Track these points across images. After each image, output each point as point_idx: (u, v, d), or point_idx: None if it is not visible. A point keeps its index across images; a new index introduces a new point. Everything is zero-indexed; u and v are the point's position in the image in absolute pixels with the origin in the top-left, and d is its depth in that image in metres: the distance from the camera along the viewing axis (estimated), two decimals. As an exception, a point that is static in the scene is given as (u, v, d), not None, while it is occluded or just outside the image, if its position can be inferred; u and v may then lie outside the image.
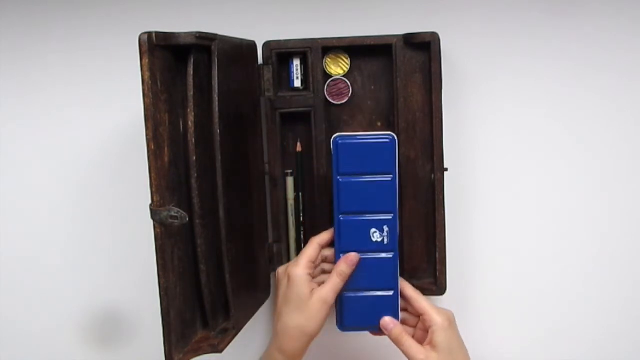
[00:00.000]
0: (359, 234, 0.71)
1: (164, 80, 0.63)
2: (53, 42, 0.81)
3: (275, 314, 0.73)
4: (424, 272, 0.80)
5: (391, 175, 0.71)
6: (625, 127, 0.81)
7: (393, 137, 0.71)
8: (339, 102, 0.78)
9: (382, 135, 0.71)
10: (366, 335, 0.75)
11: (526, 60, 0.80)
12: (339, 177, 0.71)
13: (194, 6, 0.80)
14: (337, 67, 0.78)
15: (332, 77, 0.78)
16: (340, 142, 0.70)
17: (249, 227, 0.74)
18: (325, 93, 0.77)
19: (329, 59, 0.77)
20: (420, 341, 0.70)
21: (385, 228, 0.71)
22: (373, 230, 0.71)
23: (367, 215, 0.71)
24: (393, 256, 0.72)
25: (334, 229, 0.72)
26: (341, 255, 0.71)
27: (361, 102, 0.79)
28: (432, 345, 0.69)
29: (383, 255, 0.72)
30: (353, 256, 0.71)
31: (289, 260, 0.80)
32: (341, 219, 0.71)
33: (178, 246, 0.66)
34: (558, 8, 0.79)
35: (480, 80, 0.80)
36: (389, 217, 0.71)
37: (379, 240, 0.71)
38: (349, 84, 0.78)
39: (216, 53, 0.65)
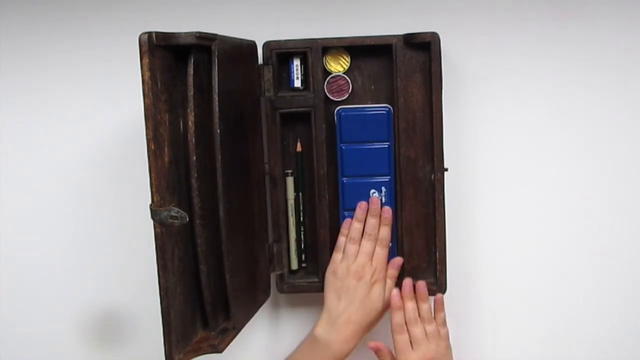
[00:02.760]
0: (360, 194, 0.79)
1: (164, 80, 0.63)
2: (53, 42, 0.81)
3: (333, 300, 0.76)
4: (424, 272, 0.80)
5: (387, 143, 0.78)
6: (625, 127, 0.81)
7: (389, 108, 0.77)
8: (339, 99, 0.78)
9: (379, 107, 0.78)
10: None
11: (526, 60, 0.80)
12: (341, 145, 0.77)
13: (194, 6, 0.80)
14: (337, 65, 0.78)
15: (331, 74, 0.78)
16: (342, 113, 0.77)
17: (249, 227, 0.74)
18: (325, 90, 0.77)
19: (329, 57, 0.77)
20: None
21: (383, 189, 0.78)
22: (372, 190, 0.78)
23: (367, 178, 0.78)
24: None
25: (339, 192, 0.79)
26: (345, 213, 0.79)
27: (361, 101, 0.79)
28: None
29: None
30: (398, 260, 0.79)
31: (289, 260, 0.80)
32: (344, 181, 0.78)
33: (178, 246, 0.66)
34: (558, 8, 0.79)
35: (480, 80, 0.80)
36: (386, 179, 0.78)
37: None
38: (349, 80, 0.78)
39: (216, 53, 0.65)
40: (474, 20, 0.80)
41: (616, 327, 0.84)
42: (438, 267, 0.77)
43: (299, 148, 0.80)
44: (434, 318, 0.76)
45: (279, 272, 0.80)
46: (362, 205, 0.78)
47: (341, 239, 0.78)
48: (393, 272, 0.78)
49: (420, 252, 0.79)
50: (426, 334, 0.75)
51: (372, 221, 0.77)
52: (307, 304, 0.78)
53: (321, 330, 0.75)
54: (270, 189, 0.79)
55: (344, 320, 0.75)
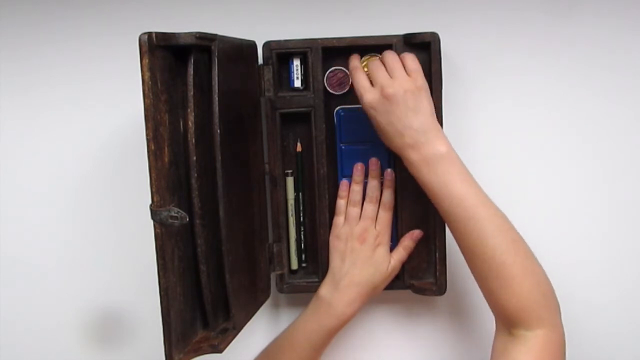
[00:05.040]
0: None
1: (164, 80, 0.63)
2: (53, 42, 0.81)
3: (337, 262, 0.77)
4: (424, 272, 0.80)
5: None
6: (626, 126, 0.81)
7: None
8: (339, 92, 0.78)
9: None
10: (365, 334, 0.74)
11: (526, 60, 0.80)
12: (341, 145, 0.78)
13: (194, 6, 0.80)
14: None
15: (331, 68, 0.77)
16: (342, 113, 0.78)
17: (249, 227, 0.74)
18: (325, 84, 0.77)
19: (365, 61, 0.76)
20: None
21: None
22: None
23: (367, 178, 0.78)
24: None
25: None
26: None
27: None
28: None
29: None
30: (417, 232, 0.78)
31: (289, 260, 0.80)
32: (344, 180, 0.79)
33: (178, 246, 0.66)
34: (558, 8, 0.79)
35: (480, 80, 0.80)
36: (382, 177, 0.78)
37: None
38: (347, 72, 0.77)
39: (216, 53, 0.65)
40: (474, 20, 0.80)
41: (617, 328, 0.84)
42: (438, 267, 0.77)
43: (299, 148, 0.80)
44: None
45: (279, 272, 0.80)
46: (359, 167, 0.78)
47: (340, 202, 0.78)
48: (409, 243, 0.78)
49: (420, 252, 0.79)
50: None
51: (373, 183, 0.78)
52: (307, 304, 0.78)
53: (325, 291, 0.76)
54: (270, 189, 0.79)
55: (347, 282, 0.75)
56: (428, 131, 0.68)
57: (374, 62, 0.72)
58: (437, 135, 0.68)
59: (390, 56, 0.71)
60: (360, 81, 0.71)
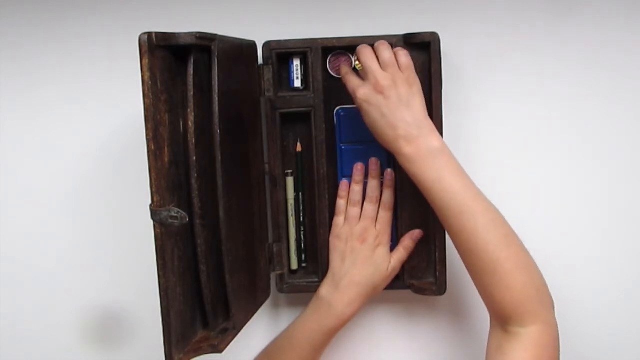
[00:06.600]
0: None
1: (164, 80, 0.63)
2: (53, 43, 0.81)
3: (337, 262, 0.77)
4: (424, 272, 0.80)
5: None
6: (626, 126, 0.81)
7: None
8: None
9: None
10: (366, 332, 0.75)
11: (526, 60, 0.80)
12: (341, 145, 0.79)
13: (194, 6, 0.80)
14: None
15: (332, 52, 0.77)
16: (342, 113, 0.78)
17: (249, 227, 0.74)
18: (328, 68, 0.78)
19: None
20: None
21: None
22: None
23: (367, 178, 0.78)
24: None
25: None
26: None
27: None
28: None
29: None
30: (417, 232, 0.78)
31: (289, 260, 0.80)
32: (344, 180, 0.79)
33: (178, 246, 0.66)
34: (558, 8, 0.79)
35: (480, 80, 0.80)
36: (382, 178, 0.78)
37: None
38: (351, 56, 0.78)
39: (216, 53, 0.65)
40: (474, 20, 0.80)
41: (617, 330, 0.83)
42: (438, 267, 0.77)
43: (299, 148, 0.80)
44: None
45: (279, 272, 0.80)
46: (359, 167, 0.78)
47: (340, 202, 0.78)
48: (409, 243, 0.78)
49: (420, 252, 0.79)
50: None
51: (373, 183, 0.78)
52: (307, 304, 0.78)
53: (325, 291, 0.76)
54: (270, 189, 0.79)
55: (347, 282, 0.75)
56: (422, 126, 0.68)
57: (367, 53, 0.71)
58: (431, 130, 0.68)
59: (384, 49, 0.71)
60: (352, 81, 0.71)
